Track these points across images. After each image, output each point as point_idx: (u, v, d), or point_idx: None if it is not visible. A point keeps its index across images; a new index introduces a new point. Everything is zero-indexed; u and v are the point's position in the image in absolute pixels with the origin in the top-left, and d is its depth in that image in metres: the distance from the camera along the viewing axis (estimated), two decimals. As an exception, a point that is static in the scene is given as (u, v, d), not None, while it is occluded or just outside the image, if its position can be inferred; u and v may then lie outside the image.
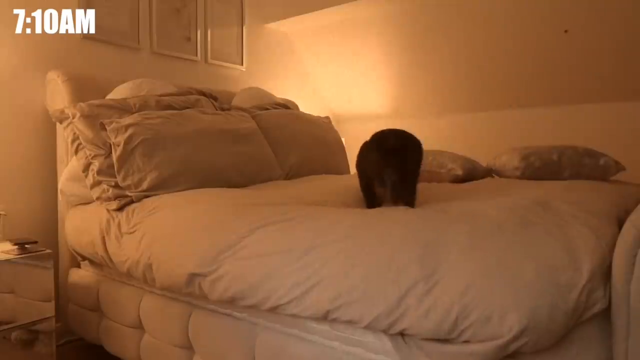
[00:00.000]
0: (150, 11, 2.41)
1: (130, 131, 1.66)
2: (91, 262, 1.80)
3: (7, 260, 1.50)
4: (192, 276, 1.26)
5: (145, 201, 1.61)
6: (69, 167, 1.88)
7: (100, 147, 1.69)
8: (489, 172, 2.05)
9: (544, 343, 0.81)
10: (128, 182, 1.63)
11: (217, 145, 1.86)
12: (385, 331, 0.96)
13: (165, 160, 1.68)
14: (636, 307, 0.81)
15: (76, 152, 1.76)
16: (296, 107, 2.83)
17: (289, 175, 2.21)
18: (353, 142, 2.56)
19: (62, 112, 1.78)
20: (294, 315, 1.10)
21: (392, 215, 1.14)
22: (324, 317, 1.03)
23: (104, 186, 1.67)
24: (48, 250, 1.60)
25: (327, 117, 2.75)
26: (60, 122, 1.82)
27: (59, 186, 1.89)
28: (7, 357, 1.50)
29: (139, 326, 1.57)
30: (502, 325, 0.81)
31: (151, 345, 1.54)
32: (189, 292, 1.31)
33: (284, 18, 3.02)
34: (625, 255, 0.83)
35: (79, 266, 1.90)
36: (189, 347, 1.41)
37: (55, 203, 2.00)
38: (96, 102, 1.80)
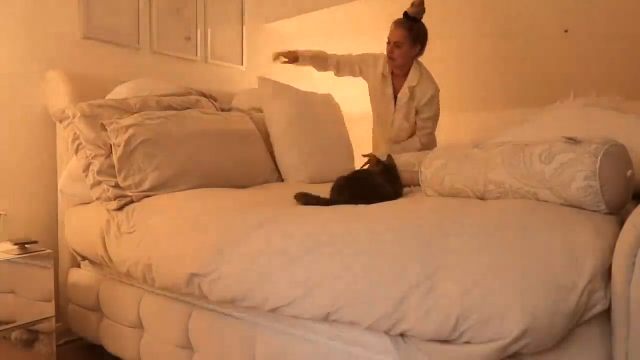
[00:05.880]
0: (150, 11, 2.41)
1: (130, 132, 1.66)
2: (91, 262, 1.80)
3: (7, 260, 1.50)
4: (192, 276, 1.26)
5: (145, 201, 1.61)
6: (69, 167, 1.88)
7: (101, 147, 1.69)
8: None
9: (545, 344, 0.81)
10: (129, 182, 1.63)
11: (217, 146, 1.86)
12: (386, 332, 0.96)
13: (166, 160, 1.68)
14: (636, 307, 0.81)
15: (76, 152, 1.76)
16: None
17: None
18: (353, 142, 2.56)
19: (63, 112, 1.78)
20: (294, 317, 1.09)
21: (393, 216, 1.14)
22: (325, 319, 1.03)
23: (104, 186, 1.67)
24: (48, 250, 1.60)
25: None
26: (61, 122, 1.82)
27: (59, 186, 1.89)
28: (7, 357, 1.50)
29: (139, 326, 1.57)
30: (502, 327, 0.80)
31: (151, 345, 1.54)
32: (188, 292, 1.31)
33: (284, 18, 3.01)
34: (625, 256, 0.83)
35: (79, 266, 1.90)
36: (189, 347, 1.41)
37: (55, 203, 2.00)
38: (96, 102, 1.79)
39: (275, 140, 2.18)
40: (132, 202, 1.63)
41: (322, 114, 2.36)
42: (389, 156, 1.68)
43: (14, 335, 1.51)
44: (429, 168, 1.35)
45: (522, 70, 2.67)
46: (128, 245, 1.51)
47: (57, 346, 1.64)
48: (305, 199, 1.44)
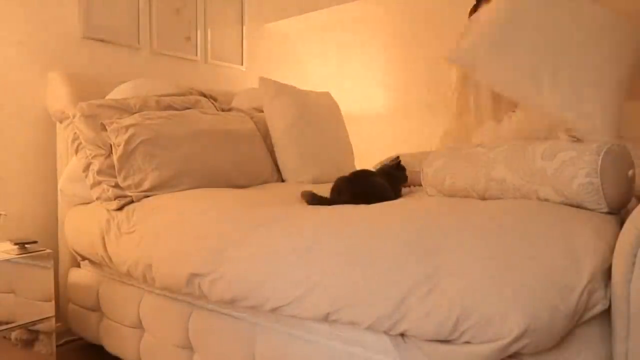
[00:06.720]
0: (150, 11, 2.41)
1: (130, 132, 1.66)
2: (91, 262, 1.80)
3: (7, 260, 1.50)
4: (192, 276, 1.26)
5: (145, 201, 1.61)
6: (69, 167, 1.88)
7: (101, 147, 1.69)
8: None
9: (545, 344, 0.81)
10: (129, 182, 1.63)
11: (217, 146, 1.86)
12: (386, 332, 0.96)
13: (166, 160, 1.69)
14: (636, 307, 0.81)
15: (76, 151, 1.76)
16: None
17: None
18: (354, 142, 2.56)
19: (63, 112, 1.79)
20: (294, 317, 1.10)
21: (392, 215, 1.14)
22: (325, 319, 1.03)
23: (104, 186, 1.67)
24: (48, 250, 1.60)
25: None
26: (61, 122, 1.83)
27: (59, 186, 1.89)
28: (7, 357, 1.50)
29: (139, 326, 1.57)
30: (503, 327, 0.80)
31: (151, 345, 1.54)
32: (188, 292, 1.31)
33: (284, 18, 3.01)
34: (625, 256, 0.83)
35: (79, 266, 1.90)
36: (189, 347, 1.41)
37: (55, 203, 2.00)
38: (96, 102, 1.80)
39: (276, 140, 2.17)
40: (132, 202, 1.63)
41: (322, 113, 2.35)
42: (397, 158, 1.68)
43: (14, 335, 1.51)
44: (431, 167, 1.35)
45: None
46: (128, 245, 1.51)
47: (57, 346, 1.64)
48: (311, 199, 1.43)
